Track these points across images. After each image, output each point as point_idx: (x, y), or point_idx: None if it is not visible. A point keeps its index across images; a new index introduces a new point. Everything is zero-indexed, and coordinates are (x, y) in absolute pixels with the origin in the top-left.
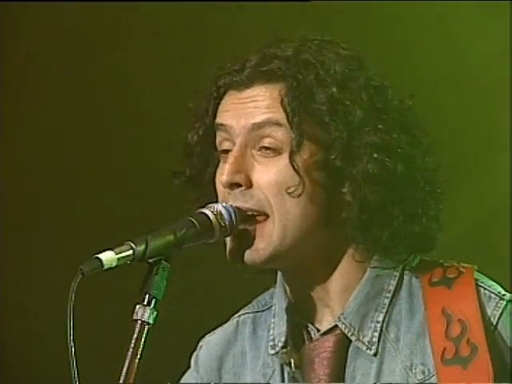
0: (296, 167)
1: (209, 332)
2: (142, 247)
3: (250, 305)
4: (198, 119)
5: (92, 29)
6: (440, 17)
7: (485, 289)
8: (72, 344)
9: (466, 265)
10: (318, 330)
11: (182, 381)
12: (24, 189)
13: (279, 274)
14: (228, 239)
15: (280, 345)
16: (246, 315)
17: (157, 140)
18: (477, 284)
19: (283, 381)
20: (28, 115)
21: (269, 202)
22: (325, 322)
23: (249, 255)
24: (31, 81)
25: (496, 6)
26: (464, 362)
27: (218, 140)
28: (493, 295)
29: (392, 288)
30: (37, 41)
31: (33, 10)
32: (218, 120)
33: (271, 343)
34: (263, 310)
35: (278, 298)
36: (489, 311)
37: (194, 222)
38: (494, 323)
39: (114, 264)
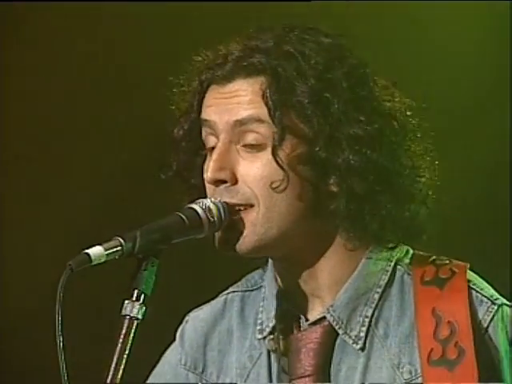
0: (279, 162)
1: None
2: (131, 243)
3: (239, 283)
4: (183, 114)
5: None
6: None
7: (477, 292)
8: (60, 339)
9: (459, 263)
10: (307, 320)
11: (166, 354)
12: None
13: (269, 260)
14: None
15: (268, 330)
16: (235, 293)
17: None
18: (469, 286)
19: (270, 365)
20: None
21: (255, 196)
22: (314, 312)
23: (235, 244)
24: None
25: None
26: (450, 365)
27: (203, 135)
28: (485, 299)
29: (383, 283)
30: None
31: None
32: (203, 115)
33: (259, 327)
34: (252, 290)
35: (268, 282)
36: (480, 315)
37: (183, 217)
38: (485, 327)
39: (103, 259)
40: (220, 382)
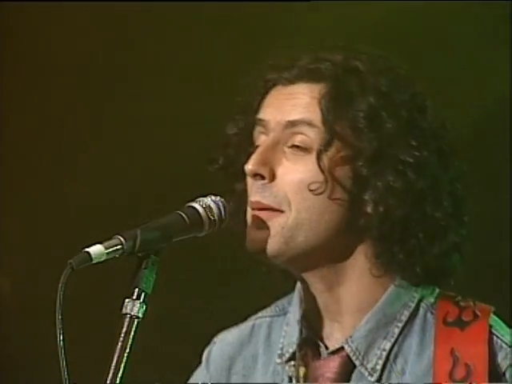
0: (322, 165)
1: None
2: (132, 241)
3: (268, 308)
4: (240, 112)
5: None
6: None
7: (497, 337)
8: (61, 338)
9: (483, 306)
10: (327, 348)
11: (192, 377)
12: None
13: (298, 283)
14: (247, 230)
15: (287, 356)
16: (263, 319)
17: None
18: (490, 331)
19: None
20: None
21: (287, 200)
22: (333, 339)
23: (260, 244)
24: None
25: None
26: None
27: (255, 134)
28: (504, 345)
29: (404, 318)
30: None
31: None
32: (259, 115)
33: (279, 352)
34: (279, 315)
35: (293, 306)
36: (498, 359)
37: (183, 215)
38: (502, 372)
39: (103, 258)
40: None
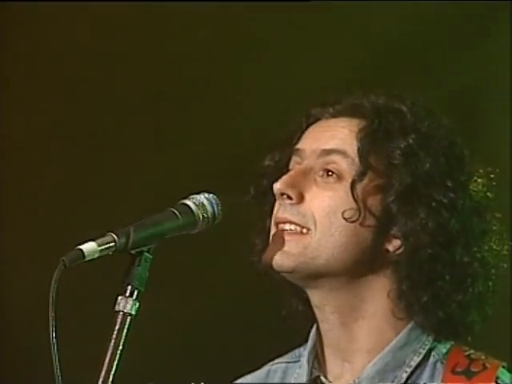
0: (355, 194)
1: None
2: (124, 238)
3: (285, 355)
4: (279, 145)
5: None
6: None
7: None
8: (54, 335)
9: (494, 360)
10: None
11: None
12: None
13: (313, 327)
14: (269, 247)
15: None
16: (279, 364)
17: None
18: (497, 382)
19: None
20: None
21: (314, 221)
22: (343, 380)
23: (278, 258)
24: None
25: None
26: None
27: (291, 165)
28: None
29: (414, 364)
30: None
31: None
32: (296, 145)
33: None
34: (295, 362)
35: (307, 349)
36: None
37: (177, 213)
38: None
39: (96, 255)
40: None
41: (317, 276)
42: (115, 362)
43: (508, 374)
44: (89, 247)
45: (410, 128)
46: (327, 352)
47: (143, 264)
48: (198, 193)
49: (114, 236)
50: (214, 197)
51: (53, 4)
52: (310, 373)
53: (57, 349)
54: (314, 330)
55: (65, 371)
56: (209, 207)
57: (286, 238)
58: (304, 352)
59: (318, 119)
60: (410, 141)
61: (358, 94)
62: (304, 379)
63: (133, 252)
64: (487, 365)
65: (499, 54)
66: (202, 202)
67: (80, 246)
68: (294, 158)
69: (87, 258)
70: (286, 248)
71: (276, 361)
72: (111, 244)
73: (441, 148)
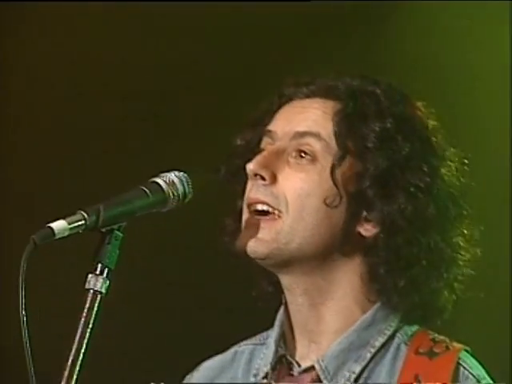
0: (335, 179)
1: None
2: (94, 216)
3: (252, 338)
4: (250, 125)
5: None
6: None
7: (465, 368)
8: (23, 313)
9: (458, 344)
10: (300, 366)
11: None
12: None
13: (281, 308)
14: (242, 232)
15: (261, 374)
16: (246, 346)
17: None
18: (458, 362)
19: None
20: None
21: (286, 202)
22: (308, 359)
23: (252, 244)
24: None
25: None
26: None
27: (262, 145)
28: (471, 376)
29: (378, 344)
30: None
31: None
32: (268, 126)
33: (254, 372)
34: (262, 344)
35: (274, 329)
36: None
37: (147, 191)
38: None
39: (66, 233)
40: None
41: (290, 261)
42: (85, 341)
43: (470, 357)
44: (59, 225)
45: (386, 111)
46: (295, 332)
47: (114, 242)
48: (168, 171)
49: (84, 214)
50: (185, 175)
51: (53, 4)
52: (276, 351)
53: (27, 329)
54: (281, 310)
55: (35, 350)
56: (179, 185)
57: (260, 224)
58: (271, 333)
59: (290, 99)
60: (388, 125)
61: (332, 74)
62: (269, 359)
63: (103, 230)
64: (450, 347)
65: (499, 54)
66: (172, 180)
67: (50, 224)
68: (266, 140)
69: (57, 236)
70: (259, 235)
71: (243, 342)
72: (81, 222)
73: (416, 132)
